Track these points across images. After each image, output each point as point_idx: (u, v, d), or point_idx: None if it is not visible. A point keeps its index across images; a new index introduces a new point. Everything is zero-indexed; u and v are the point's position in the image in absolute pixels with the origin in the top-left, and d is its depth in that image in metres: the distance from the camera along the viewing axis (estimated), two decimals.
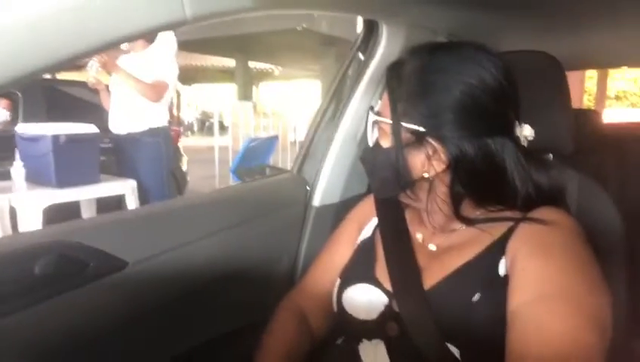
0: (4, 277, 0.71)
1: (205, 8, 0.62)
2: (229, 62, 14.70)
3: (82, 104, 4.02)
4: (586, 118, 1.94)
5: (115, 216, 0.90)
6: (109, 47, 0.58)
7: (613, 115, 12.05)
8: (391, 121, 0.76)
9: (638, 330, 1.00)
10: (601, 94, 7.73)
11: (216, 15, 0.64)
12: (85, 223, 0.87)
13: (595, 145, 1.72)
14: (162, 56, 2.80)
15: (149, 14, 0.57)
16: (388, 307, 0.78)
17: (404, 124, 0.74)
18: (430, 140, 0.73)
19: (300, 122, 8.44)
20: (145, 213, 1.00)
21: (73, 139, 2.54)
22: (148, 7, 0.57)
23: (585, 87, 7.67)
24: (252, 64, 14.71)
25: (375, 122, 0.81)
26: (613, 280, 0.79)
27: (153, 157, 2.91)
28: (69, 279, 0.77)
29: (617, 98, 17.32)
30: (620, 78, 15.72)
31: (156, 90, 2.76)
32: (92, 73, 2.71)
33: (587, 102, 9.80)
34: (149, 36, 2.53)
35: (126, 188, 2.79)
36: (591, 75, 7.48)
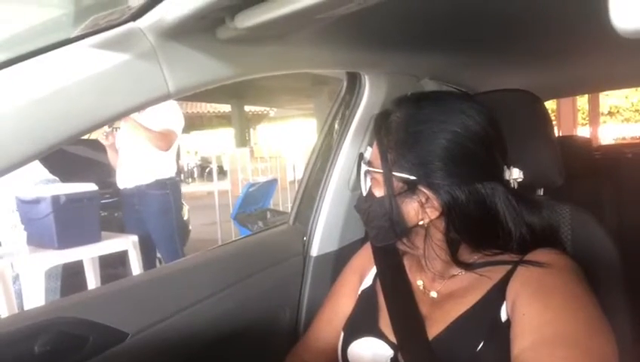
0: (4, 360, 0.70)
1: (187, 83, 0.64)
2: (226, 108, 14.90)
3: (81, 161, 4.05)
4: (576, 145, 1.94)
5: (113, 287, 0.89)
6: (100, 126, 0.60)
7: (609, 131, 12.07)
8: (382, 171, 0.77)
9: None
10: (594, 113, 7.77)
11: (197, 87, 0.66)
12: (83, 296, 0.86)
13: (587, 172, 1.71)
14: (167, 106, 2.83)
15: (135, 92, 0.60)
16: (393, 360, 0.77)
17: (395, 173, 0.75)
18: (422, 188, 0.74)
19: (297, 161, 8.48)
20: (142, 280, 1.00)
21: (73, 199, 2.55)
22: (134, 86, 0.59)
23: (577, 105, 7.71)
24: (248, 108, 14.91)
25: (367, 172, 0.82)
26: (614, 311, 0.78)
27: (163, 210, 2.91)
28: (70, 356, 0.76)
29: (611, 114, 17.47)
30: (612, 94, 15.86)
31: (166, 139, 2.78)
32: (106, 129, 2.76)
33: (581, 120, 9.84)
34: None
35: (128, 244, 2.78)
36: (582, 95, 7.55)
